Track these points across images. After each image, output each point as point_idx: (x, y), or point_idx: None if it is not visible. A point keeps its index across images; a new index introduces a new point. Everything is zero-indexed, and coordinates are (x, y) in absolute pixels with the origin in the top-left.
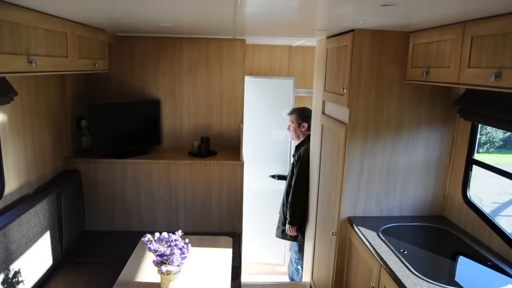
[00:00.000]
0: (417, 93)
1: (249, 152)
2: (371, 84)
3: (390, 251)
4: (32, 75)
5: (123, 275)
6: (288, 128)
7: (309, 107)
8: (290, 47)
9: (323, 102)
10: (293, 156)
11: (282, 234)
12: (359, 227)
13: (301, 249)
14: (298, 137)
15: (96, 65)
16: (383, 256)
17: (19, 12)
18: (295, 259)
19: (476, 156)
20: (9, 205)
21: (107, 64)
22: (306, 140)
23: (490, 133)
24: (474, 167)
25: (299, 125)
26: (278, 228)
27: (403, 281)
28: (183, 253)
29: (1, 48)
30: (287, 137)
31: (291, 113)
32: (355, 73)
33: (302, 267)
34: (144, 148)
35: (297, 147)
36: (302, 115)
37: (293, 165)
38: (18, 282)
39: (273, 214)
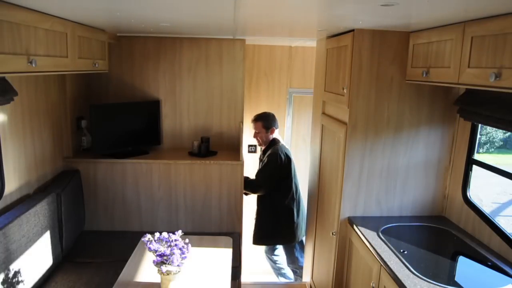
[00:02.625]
0: (417, 93)
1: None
2: (371, 84)
3: (390, 251)
4: (32, 75)
5: (123, 275)
6: (255, 136)
7: (308, 107)
8: (290, 47)
9: (323, 102)
10: (261, 160)
11: (254, 238)
12: (359, 227)
13: (270, 249)
14: (266, 143)
15: (96, 65)
16: (383, 256)
17: (19, 12)
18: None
19: (476, 156)
20: (9, 205)
21: (107, 64)
22: (273, 143)
23: (490, 133)
24: (474, 167)
25: (266, 131)
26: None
27: (403, 281)
28: (183, 253)
29: (1, 48)
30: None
31: (256, 120)
32: (355, 73)
33: (280, 266)
34: (144, 148)
35: (264, 151)
36: (268, 121)
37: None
38: (18, 282)
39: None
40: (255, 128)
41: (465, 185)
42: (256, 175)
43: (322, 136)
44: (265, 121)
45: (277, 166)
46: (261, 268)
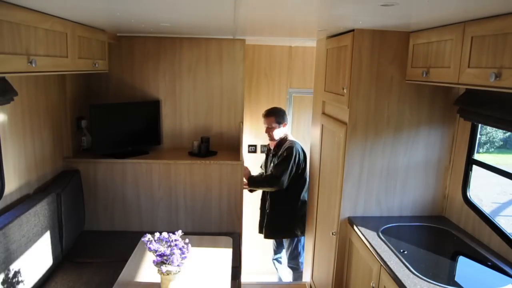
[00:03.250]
0: (417, 93)
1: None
2: (371, 84)
3: (390, 251)
4: (32, 75)
5: (123, 275)
6: (267, 132)
7: (308, 107)
8: (290, 47)
9: (323, 102)
10: (273, 155)
11: (267, 232)
12: (359, 227)
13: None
14: (278, 138)
15: (96, 65)
16: (383, 256)
17: (19, 12)
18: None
19: (476, 156)
20: (9, 205)
21: (107, 64)
22: (285, 138)
23: (490, 133)
24: (474, 167)
25: (279, 126)
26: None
27: (403, 281)
28: (183, 253)
29: (1, 48)
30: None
31: (268, 115)
32: (355, 73)
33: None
34: (144, 148)
35: (278, 146)
36: (280, 116)
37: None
38: (18, 282)
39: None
40: (267, 123)
41: (465, 185)
42: (275, 169)
43: (322, 136)
44: (278, 116)
45: (295, 160)
46: (261, 268)
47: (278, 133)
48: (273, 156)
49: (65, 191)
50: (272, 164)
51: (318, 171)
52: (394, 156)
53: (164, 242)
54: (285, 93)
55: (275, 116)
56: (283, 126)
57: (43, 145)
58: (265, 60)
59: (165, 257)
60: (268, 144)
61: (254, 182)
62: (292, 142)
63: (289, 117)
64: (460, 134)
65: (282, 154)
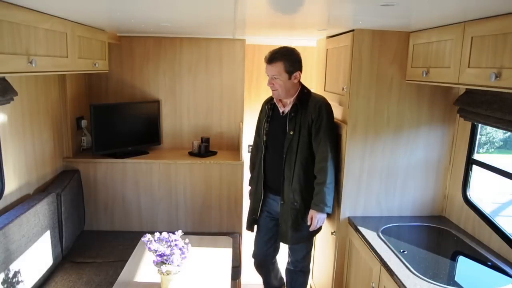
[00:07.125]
0: (417, 93)
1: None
2: (371, 84)
3: (390, 251)
4: (32, 75)
5: (123, 275)
6: (270, 83)
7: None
8: None
9: None
10: (291, 117)
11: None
12: (359, 227)
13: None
14: (288, 94)
15: (96, 65)
16: (383, 256)
17: (19, 12)
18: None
19: (476, 156)
20: (9, 205)
21: (107, 64)
22: (306, 93)
23: (490, 133)
24: (474, 167)
25: (289, 76)
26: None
27: (403, 281)
28: (183, 253)
29: (1, 48)
30: None
31: (275, 60)
32: (355, 73)
33: None
34: (144, 148)
35: (300, 104)
36: (292, 61)
37: (309, 129)
38: (18, 282)
39: None
40: (272, 72)
41: (465, 185)
42: (323, 150)
43: None
44: (288, 61)
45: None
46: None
47: (286, 87)
48: (291, 118)
49: (65, 191)
50: (293, 132)
51: None
52: (394, 156)
53: (164, 242)
54: None
55: (283, 61)
56: (296, 78)
57: (43, 145)
58: None
59: (165, 257)
60: (273, 102)
61: (327, 200)
62: (318, 96)
63: None
64: (460, 134)
65: (318, 116)
